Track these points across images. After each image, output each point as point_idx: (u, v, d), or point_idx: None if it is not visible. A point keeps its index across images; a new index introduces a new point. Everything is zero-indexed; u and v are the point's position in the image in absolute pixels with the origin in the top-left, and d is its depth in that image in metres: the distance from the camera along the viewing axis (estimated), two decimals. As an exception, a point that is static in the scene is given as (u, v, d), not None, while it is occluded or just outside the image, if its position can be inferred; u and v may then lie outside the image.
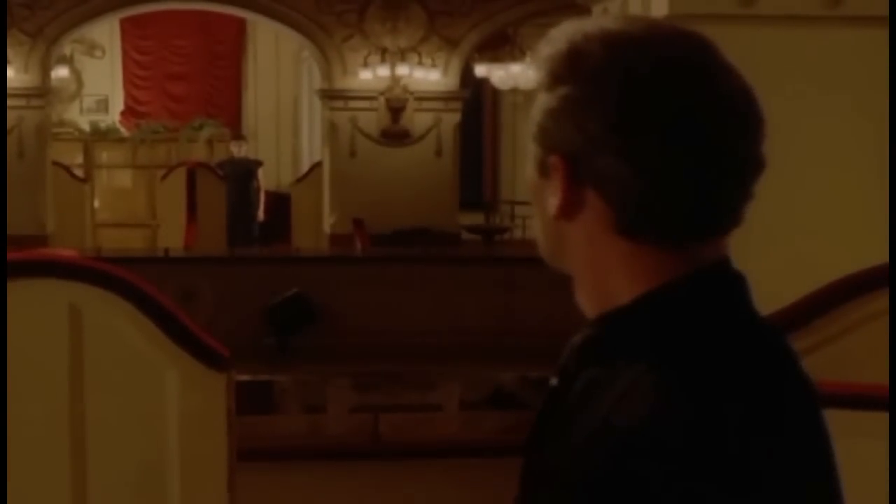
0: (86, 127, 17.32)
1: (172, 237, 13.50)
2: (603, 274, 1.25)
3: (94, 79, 17.63)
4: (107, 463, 3.36)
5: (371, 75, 13.05)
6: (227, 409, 3.37)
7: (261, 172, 14.55)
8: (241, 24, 17.53)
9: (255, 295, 10.02)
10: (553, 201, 1.25)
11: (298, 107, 17.87)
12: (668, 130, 1.18)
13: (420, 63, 13.14)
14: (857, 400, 2.77)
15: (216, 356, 3.35)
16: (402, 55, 13.11)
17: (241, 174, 14.28)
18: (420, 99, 13.21)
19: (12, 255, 3.34)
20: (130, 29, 17.30)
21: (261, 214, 14.42)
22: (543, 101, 1.26)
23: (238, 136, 15.34)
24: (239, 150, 14.87)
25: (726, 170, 1.21)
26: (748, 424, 1.15)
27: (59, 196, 13.41)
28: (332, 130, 13.35)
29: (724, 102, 1.21)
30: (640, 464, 1.12)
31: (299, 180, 15.25)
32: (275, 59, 17.90)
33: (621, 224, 1.22)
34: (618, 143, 1.19)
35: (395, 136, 13.26)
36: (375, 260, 11.61)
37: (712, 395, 1.16)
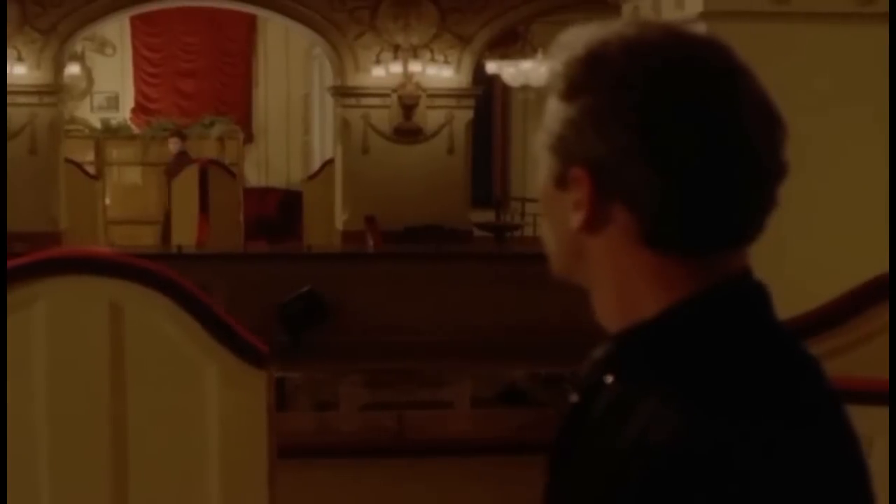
0: (96, 124, 17.31)
1: (184, 234, 13.49)
2: (626, 287, 1.23)
3: (104, 76, 17.63)
4: (147, 460, 3.36)
5: (384, 72, 13.05)
6: (267, 405, 3.36)
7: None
8: (251, 22, 17.52)
9: (268, 292, 10.03)
10: (577, 215, 1.22)
11: (309, 104, 17.86)
12: (696, 137, 1.16)
13: (432, 60, 13.14)
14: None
15: (256, 352, 3.35)
16: (414, 52, 13.11)
17: (175, 172, 14.19)
18: (432, 96, 13.21)
19: (52, 252, 3.34)
20: (141, 26, 17.29)
21: None
22: (561, 110, 1.23)
23: (176, 132, 15.12)
24: (175, 148, 14.70)
25: (754, 176, 1.19)
26: (777, 441, 1.13)
27: (71, 193, 13.42)
28: (344, 128, 13.35)
29: (749, 107, 1.19)
30: (673, 481, 1.11)
31: (311, 177, 15.24)
32: (285, 56, 17.89)
33: (648, 235, 1.19)
34: (646, 153, 1.17)
35: (407, 133, 13.26)
36: (388, 257, 11.61)
37: (741, 412, 1.14)
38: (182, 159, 14.22)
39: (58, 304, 3.31)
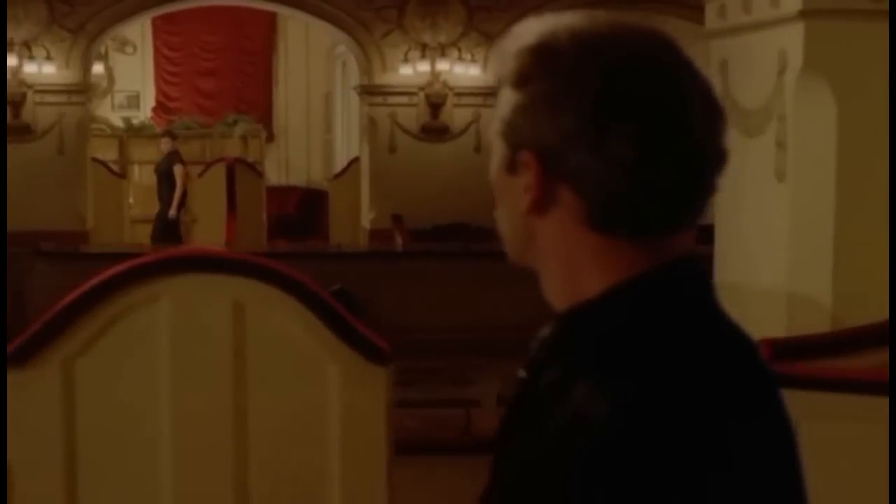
0: (117, 123, 17.31)
1: (210, 233, 13.51)
2: (573, 268, 1.26)
3: (125, 75, 17.63)
4: (268, 456, 3.39)
5: (411, 71, 13.07)
6: (386, 402, 3.39)
7: (178, 169, 14.13)
8: (271, 20, 17.53)
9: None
10: (525, 197, 1.25)
11: (331, 103, 17.86)
12: (641, 125, 1.20)
13: (460, 58, 13.16)
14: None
15: (377, 350, 3.38)
16: (441, 51, 13.13)
17: (163, 171, 14.19)
18: (459, 94, 13.22)
19: (176, 251, 3.36)
20: (161, 25, 17.29)
21: (172, 212, 13.96)
22: (511, 97, 1.26)
23: (167, 132, 15.14)
24: (165, 147, 14.72)
25: (697, 162, 1.23)
26: (712, 425, 1.17)
27: (97, 192, 13.43)
28: (371, 126, 13.36)
29: (693, 97, 1.23)
30: (609, 457, 1.13)
31: (336, 176, 15.24)
32: (305, 55, 17.89)
33: (594, 218, 1.23)
34: (592, 139, 1.20)
35: (434, 131, 13.27)
36: (416, 255, 11.64)
37: (674, 394, 1.17)
38: (172, 158, 14.26)
39: (181, 302, 3.34)
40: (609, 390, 1.16)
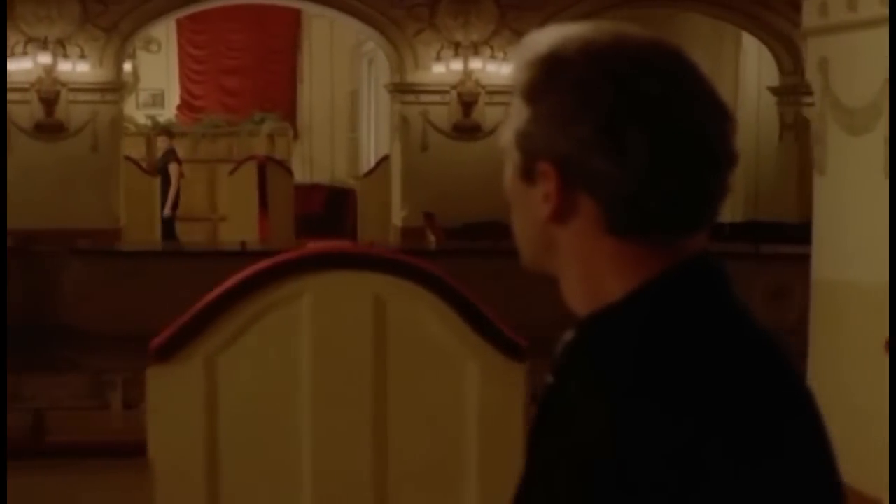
0: (142, 121, 17.34)
1: (241, 231, 13.53)
2: (593, 274, 1.28)
3: (149, 73, 17.66)
4: (407, 450, 3.42)
5: (444, 69, 13.10)
6: (524, 398, 3.42)
7: (173, 168, 14.14)
8: (295, 18, 17.55)
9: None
10: (545, 207, 1.27)
11: (357, 101, 17.88)
12: (653, 129, 1.23)
13: (492, 57, 13.19)
14: None
15: (516, 347, 3.41)
16: (474, 49, 13.16)
17: (159, 170, 14.21)
18: (491, 93, 13.24)
19: (318, 248, 3.40)
20: (186, 23, 17.30)
21: (167, 210, 14.03)
22: (525, 108, 1.29)
23: (164, 130, 15.19)
24: (163, 145, 14.77)
25: (708, 165, 1.26)
26: (737, 424, 1.18)
27: (127, 189, 13.45)
28: (403, 125, 13.38)
29: (701, 103, 1.27)
30: (633, 463, 1.15)
31: (366, 175, 15.27)
32: (329, 53, 17.92)
33: (613, 224, 1.25)
34: (608, 146, 1.23)
35: (466, 130, 13.30)
36: (449, 253, 11.67)
37: (699, 395, 1.19)
38: (168, 157, 14.29)
39: (324, 298, 3.37)
40: (633, 396, 1.19)
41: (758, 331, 1.28)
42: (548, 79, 1.27)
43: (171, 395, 3.38)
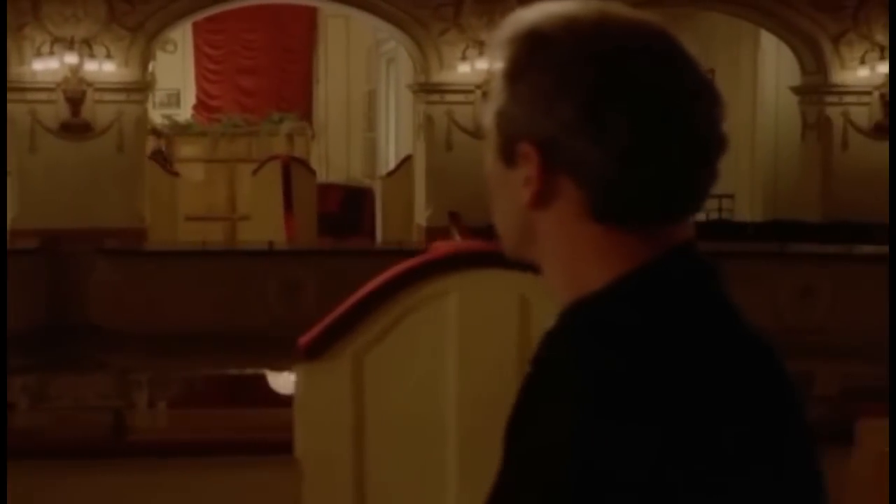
0: (158, 121, 17.35)
1: (265, 230, 13.54)
2: (576, 261, 1.24)
3: (165, 73, 17.64)
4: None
5: (469, 69, 13.14)
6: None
7: None
8: (311, 18, 17.58)
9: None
10: (526, 190, 1.23)
11: (374, 100, 17.92)
12: (638, 112, 1.19)
13: (517, 56, 13.24)
14: None
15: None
16: (499, 49, 13.21)
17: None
18: (517, 92, 13.30)
19: (463, 248, 3.43)
20: (202, 23, 17.26)
21: None
22: (506, 87, 1.24)
23: (153, 130, 15.23)
24: (154, 145, 14.82)
25: (695, 149, 1.21)
26: (716, 421, 1.15)
27: (150, 189, 13.47)
28: (427, 124, 13.42)
29: (689, 85, 1.22)
30: (607, 455, 1.13)
31: (389, 174, 15.31)
32: (346, 52, 17.95)
33: (595, 209, 1.21)
34: (590, 128, 1.19)
35: (491, 129, 13.36)
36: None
37: (681, 388, 1.15)
38: (157, 157, 14.34)
39: (469, 297, 3.40)
40: (611, 385, 1.16)
41: (741, 328, 1.23)
42: (529, 57, 1.22)
43: (319, 393, 3.41)
